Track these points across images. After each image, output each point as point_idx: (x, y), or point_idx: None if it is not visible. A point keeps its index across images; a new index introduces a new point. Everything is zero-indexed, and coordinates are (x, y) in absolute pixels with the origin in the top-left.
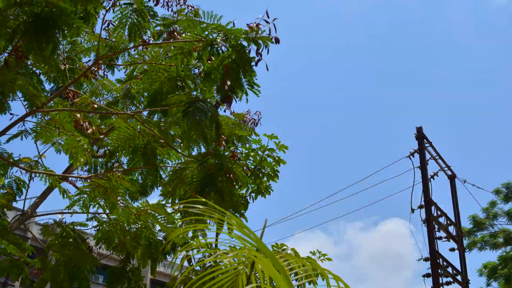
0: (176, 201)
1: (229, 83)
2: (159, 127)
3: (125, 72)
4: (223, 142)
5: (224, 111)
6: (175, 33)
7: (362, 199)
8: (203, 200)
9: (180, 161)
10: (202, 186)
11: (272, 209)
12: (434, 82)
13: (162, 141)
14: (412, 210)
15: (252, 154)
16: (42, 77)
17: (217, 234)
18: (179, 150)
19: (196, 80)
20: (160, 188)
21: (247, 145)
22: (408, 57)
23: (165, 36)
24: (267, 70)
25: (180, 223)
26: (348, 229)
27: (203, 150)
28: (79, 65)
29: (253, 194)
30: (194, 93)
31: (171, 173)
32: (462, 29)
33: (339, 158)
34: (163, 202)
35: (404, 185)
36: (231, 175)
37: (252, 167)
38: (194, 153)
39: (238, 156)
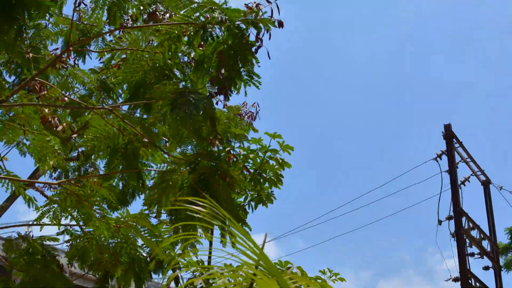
0: (163, 212)
1: (224, 72)
2: (142, 124)
3: (99, 61)
4: (217, 142)
5: (217, 103)
6: (157, 13)
7: (380, 208)
8: (200, 200)
9: (166, 164)
10: (195, 191)
11: (274, 219)
12: (465, 73)
13: (146, 140)
14: (439, 222)
15: (251, 156)
16: (1, 68)
17: (210, 244)
18: (165, 151)
19: (186, 70)
20: (143, 196)
21: (246, 145)
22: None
23: (145, 17)
24: (269, 58)
25: (167, 234)
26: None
27: (189, 150)
28: (44, 53)
29: (252, 203)
30: (183, 84)
31: (156, 177)
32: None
33: (352, 160)
34: (147, 212)
35: (430, 193)
36: (228, 179)
37: (252, 170)
38: (188, 152)
39: (236, 157)
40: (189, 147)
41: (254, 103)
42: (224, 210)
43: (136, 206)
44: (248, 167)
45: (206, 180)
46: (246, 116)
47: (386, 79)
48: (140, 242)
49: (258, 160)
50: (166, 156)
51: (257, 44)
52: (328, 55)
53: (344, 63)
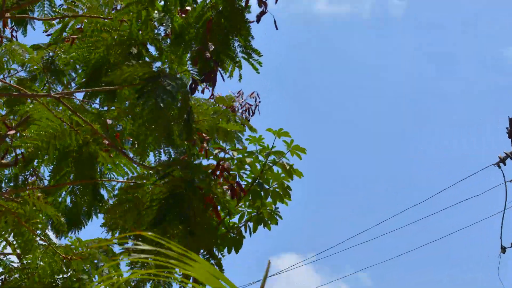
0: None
1: (212, 48)
2: (102, 118)
3: (46, 33)
4: (203, 143)
5: (202, 92)
6: None
7: (420, 230)
8: (154, 236)
9: (134, 174)
10: (162, 212)
11: (280, 239)
12: None
13: (107, 142)
14: (503, 250)
15: (248, 160)
16: None
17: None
18: (133, 157)
19: (162, 44)
20: (102, 216)
21: (239, 146)
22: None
23: None
24: (276, 28)
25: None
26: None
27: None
28: None
29: (250, 224)
30: (158, 64)
31: (119, 192)
32: None
33: (383, 166)
34: (108, 237)
35: (489, 210)
36: (209, 196)
37: (249, 180)
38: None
39: (227, 165)
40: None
41: (253, 92)
42: (198, 239)
43: (93, 228)
44: (244, 176)
45: (178, 196)
46: (242, 110)
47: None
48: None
49: (258, 166)
50: (135, 164)
51: (260, 9)
52: (354, 42)
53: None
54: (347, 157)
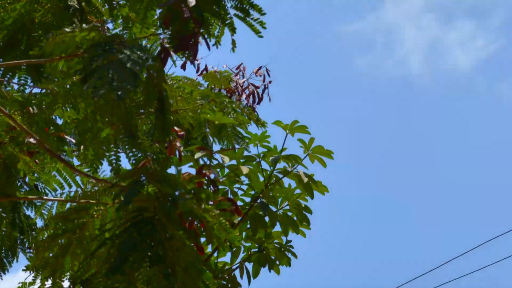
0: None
1: (193, 1)
2: (24, 106)
3: None
4: (173, 142)
5: (183, 66)
6: None
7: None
8: None
9: (76, 189)
10: (123, 250)
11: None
12: None
13: (32, 141)
14: None
15: (246, 170)
16: None
17: None
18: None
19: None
20: (28, 253)
21: (236, 146)
22: None
23: None
24: None
25: None
26: None
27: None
28: None
29: (248, 266)
30: (110, 27)
31: (54, 219)
32: None
33: (431, 185)
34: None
35: None
36: (195, 225)
37: (247, 198)
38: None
39: (213, 176)
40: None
41: (260, 68)
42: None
43: (15, 272)
44: (240, 193)
45: (147, 225)
46: (244, 94)
47: None
48: None
49: (261, 178)
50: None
51: None
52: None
53: None
54: (401, 165)
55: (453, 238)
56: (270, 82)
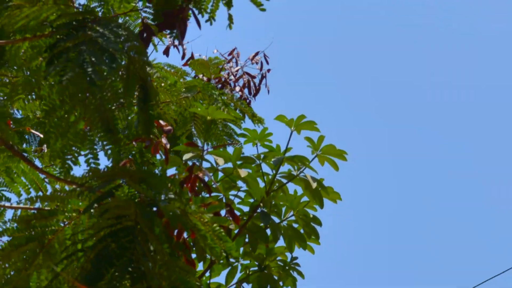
0: None
1: None
2: None
3: None
4: (164, 141)
5: (166, 51)
6: None
7: None
8: None
9: (42, 195)
10: (98, 264)
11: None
12: None
13: None
14: None
15: (244, 173)
16: None
17: None
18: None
19: None
20: None
21: (229, 147)
22: None
23: None
24: None
25: None
26: None
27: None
28: None
29: (246, 287)
30: (82, 1)
31: (13, 229)
32: None
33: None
34: None
35: None
36: (182, 234)
37: (245, 207)
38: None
39: (204, 175)
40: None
41: (256, 53)
42: None
43: None
44: (237, 201)
45: (126, 236)
46: (236, 85)
47: None
48: None
49: (261, 184)
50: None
51: None
52: None
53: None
54: (423, 168)
55: (483, 261)
56: (268, 70)
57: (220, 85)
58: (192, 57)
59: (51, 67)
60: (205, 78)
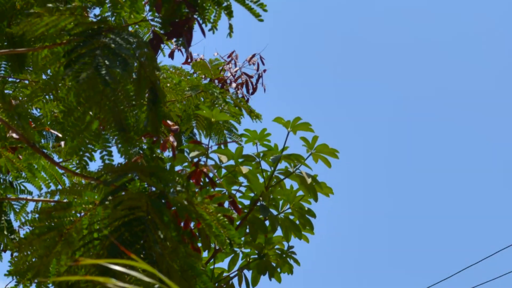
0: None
1: None
2: (5, 100)
3: None
4: (171, 139)
5: (171, 55)
6: None
7: None
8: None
9: (60, 189)
10: (113, 252)
11: None
12: None
13: (14, 135)
14: None
15: (245, 170)
16: None
17: None
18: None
19: None
20: (8, 255)
21: (231, 146)
22: None
23: None
24: None
25: None
26: None
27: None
28: None
29: (247, 273)
30: (96, 12)
31: (35, 219)
32: None
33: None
34: None
35: None
36: (189, 223)
37: (246, 201)
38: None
39: (210, 170)
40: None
41: (254, 55)
42: None
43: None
44: (239, 195)
45: (139, 225)
46: (236, 84)
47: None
48: None
49: (261, 180)
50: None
51: None
52: None
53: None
54: (417, 162)
55: (466, 248)
56: (264, 70)
57: (220, 85)
58: (190, 57)
59: (68, 69)
60: (207, 78)
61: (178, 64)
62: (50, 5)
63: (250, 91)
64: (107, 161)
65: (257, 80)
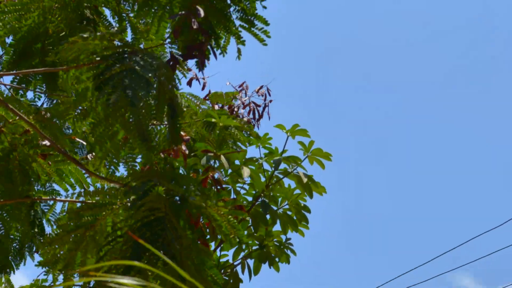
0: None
1: (201, 14)
2: (39, 113)
3: None
4: (183, 148)
5: (188, 83)
6: None
7: None
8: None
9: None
10: (137, 250)
11: (293, 283)
12: None
13: (46, 143)
14: None
15: (248, 171)
16: None
17: None
18: (84, 166)
19: (125, 9)
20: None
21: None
22: None
23: None
24: None
25: None
26: None
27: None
28: None
29: (249, 262)
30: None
31: (65, 217)
32: None
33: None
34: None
35: None
36: (201, 223)
37: (249, 198)
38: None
39: (218, 176)
40: (139, 159)
41: (261, 87)
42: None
43: (28, 269)
44: (243, 192)
45: (158, 225)
46: (244, 111)
47: None
48: None
49: (262, 179)
50: (86, 175)
51: None
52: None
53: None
54: (395, 167)
55: (446, 233)
56: (270, 101)
57: (230, 111)
58: (204, 85)
59: (100, 92)
60: (219, 104)
61: (195, 91)
62: (85, 35)
63: (257, 117)
64: (131, 167)
65: (263, 109)
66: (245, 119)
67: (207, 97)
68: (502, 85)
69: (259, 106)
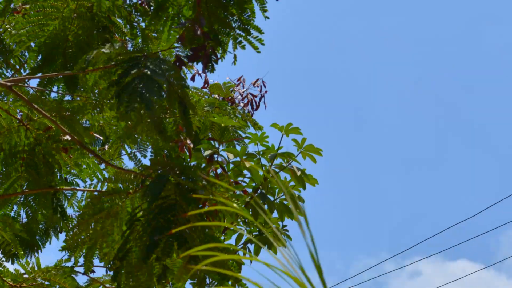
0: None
1: (204, 23)
2: (60, 111)
3: None
4: (188, 142)
5: (193, 78)
6: None
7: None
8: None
9: (102, 181)
10: (154, 236)
11: None
12: None
13: (67, 138)
14: None
15: (248, 165)
16: None
17: None
18: (102, 158)
19: (136, 18)
20: (63, 235)
21: (237, 147)
22: None
23: None
24: None
25: None
26: None
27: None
28: None
29: (250, 247)
30: (131, 44)
31: (86, 204)
32: None
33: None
34: (69, 264)
35: None
36: (209, 207)
37: (249, 189)
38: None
39: (222, 168)
40: (148, 151)
41: (257, 80)
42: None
43: (52, 252)
44: (243, 184)
45: (171, 210)
46: (242, 102)
47: None
48: None
49: (261, 173)
50: (102, 166)
51: None
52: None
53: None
54: (380, 162)
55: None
56: (266, 92)
57: (230, 102)
58: (206, 83)
59: (119, 100)
60: (220, 97)
61: (197, 85)
62: (105, 50)
63: (254, 108)
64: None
65: (260, 100)
66: (245, 109)
67: (206, 86)
68: None
69: (256, 97)
